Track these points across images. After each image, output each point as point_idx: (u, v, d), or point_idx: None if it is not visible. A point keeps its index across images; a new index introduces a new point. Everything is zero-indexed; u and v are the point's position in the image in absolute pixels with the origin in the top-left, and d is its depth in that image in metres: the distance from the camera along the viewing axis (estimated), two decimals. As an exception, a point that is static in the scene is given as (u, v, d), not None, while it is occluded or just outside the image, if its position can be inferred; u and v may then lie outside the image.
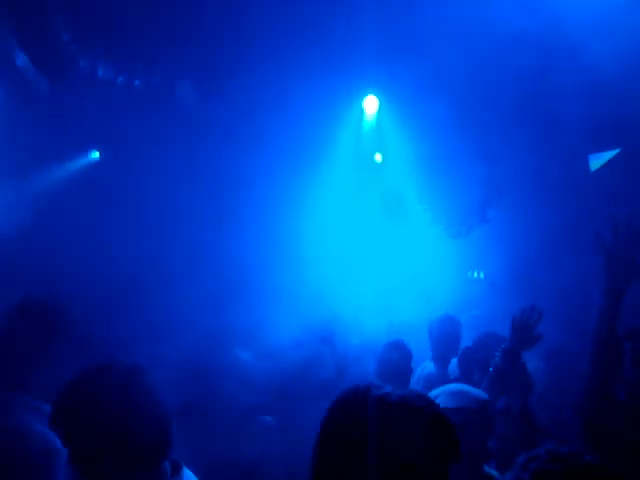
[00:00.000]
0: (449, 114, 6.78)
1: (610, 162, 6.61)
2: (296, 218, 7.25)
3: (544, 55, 5.59)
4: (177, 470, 2.03)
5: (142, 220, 6.94)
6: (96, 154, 8.05)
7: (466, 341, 4.62)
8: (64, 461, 1.94)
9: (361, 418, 1.44)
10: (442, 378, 4.48)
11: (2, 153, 6.03)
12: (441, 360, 4.82)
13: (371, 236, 7.82)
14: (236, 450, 3.04)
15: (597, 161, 6.77)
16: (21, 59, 5.33)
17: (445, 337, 4.79)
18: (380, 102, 7.76)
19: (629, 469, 2.50)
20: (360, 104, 7.78)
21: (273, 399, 3.66)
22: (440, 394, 2.71)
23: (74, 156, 7.81)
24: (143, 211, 7.05)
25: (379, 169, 8.46)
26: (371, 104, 7.79)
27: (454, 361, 4.62)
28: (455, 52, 5.75)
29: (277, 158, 7.42)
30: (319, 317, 4.83)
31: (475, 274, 7.56)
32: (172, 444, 1.97)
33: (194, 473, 2.12)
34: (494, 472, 2.70)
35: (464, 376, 4.21)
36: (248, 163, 7.27)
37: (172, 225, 7.13)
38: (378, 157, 8.48)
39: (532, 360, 4.48)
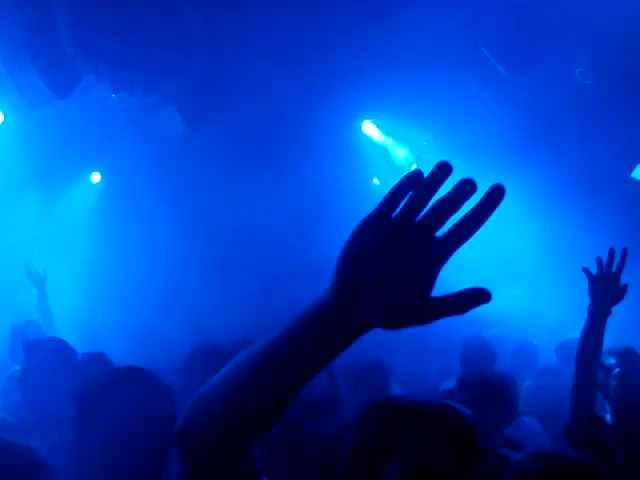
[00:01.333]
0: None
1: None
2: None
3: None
4: None
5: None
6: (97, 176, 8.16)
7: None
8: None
9: (383, 427, 1.46)
10: None
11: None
12: None
13: None
14: None
15: None
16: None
17: (477, 356, 4.70)
18: (378, 127, 7.94)
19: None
20: (358, 129, 7.96)
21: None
22: None
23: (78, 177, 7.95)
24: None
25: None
26: (369, 129, 7.98)
27: None
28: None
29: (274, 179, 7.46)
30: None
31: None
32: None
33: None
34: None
35: None
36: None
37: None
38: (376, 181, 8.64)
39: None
